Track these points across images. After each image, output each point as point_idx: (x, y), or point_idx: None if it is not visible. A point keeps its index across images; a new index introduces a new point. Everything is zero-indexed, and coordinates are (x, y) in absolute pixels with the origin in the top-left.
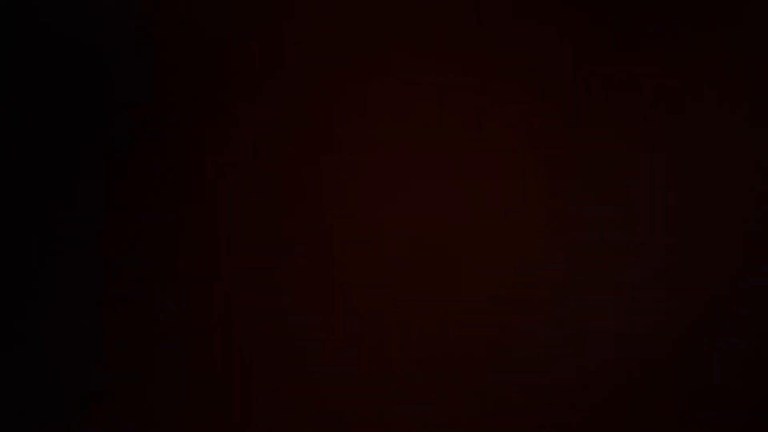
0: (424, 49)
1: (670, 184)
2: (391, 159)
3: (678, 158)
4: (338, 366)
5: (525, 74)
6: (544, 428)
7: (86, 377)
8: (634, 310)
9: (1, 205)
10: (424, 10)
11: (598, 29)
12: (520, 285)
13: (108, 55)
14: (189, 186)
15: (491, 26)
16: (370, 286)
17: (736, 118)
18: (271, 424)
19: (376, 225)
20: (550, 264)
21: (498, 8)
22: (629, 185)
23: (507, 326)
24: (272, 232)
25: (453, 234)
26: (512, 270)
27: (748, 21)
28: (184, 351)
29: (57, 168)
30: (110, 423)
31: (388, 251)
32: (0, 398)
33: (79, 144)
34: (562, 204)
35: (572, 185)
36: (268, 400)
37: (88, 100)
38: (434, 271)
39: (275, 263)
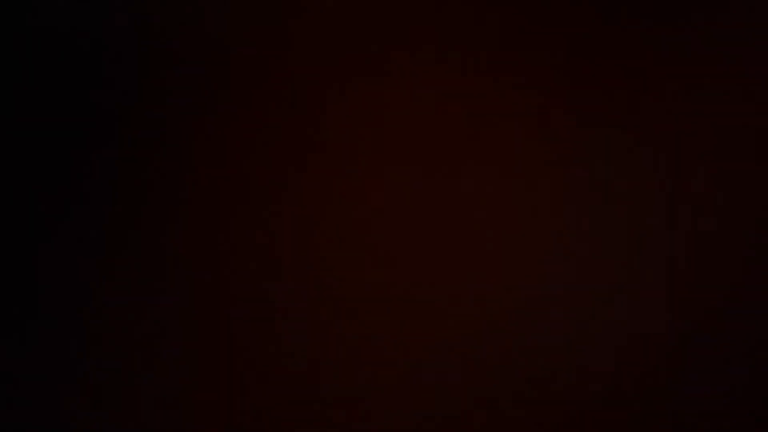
0: (424, 47)
1: (676, 182)
2: (392, 159)
3: (685, 156)
4: (334, 367)
5: (528, 72)
6: (547, 428)
7: (85, 377)
8: (639, 310)
9: None
10: (424, 8)
11: (603, 25)
12: (524, 284)
13: (106, 54)
14: (185, 186)
15: (493, 23)
16: (372, 285)
17: (743, 115)
18: (268, 425)
19: (378, 224)
20: (555, 263)
21: (501, 4)
22: (635, 183)
23: (509, 326)
24: (272, 231)
25: (455, 233)
26: (516, 269)
27: (752, 15)
28: (178, 351)
29: (55, 167)
30: (109, 422)
31: (389, 251)
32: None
33: (75, 143)
34: (567, 203)
35: (578, 183)
36: (264, 403)
37: (86, 99)
38: (436, 270)
39: (274, 264)
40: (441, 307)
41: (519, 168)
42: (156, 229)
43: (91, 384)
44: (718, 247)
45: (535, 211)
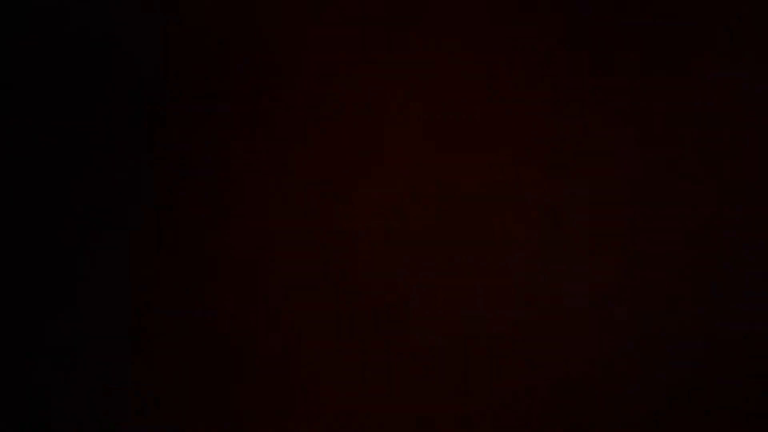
0: (423, 47)
1: (670, 182)
2: (391, 157)
3: (679, 156)
4: (335, 367)
5: (525, 73)
6: (545, 425)
7: (84, 377)
8: (639, 310)
9: (2, 203)
10: (425, 8)
11: (598, 28)
12: (519, 282)
13: (108, 54)
14: (188, 185)
15: (492, 25)
16: (370, 284)
17: (737, 117)
18: (272, 422)
19: (377, 221)
20: (549, 261)
21: (499, 9)
22: (629, 183)
23: (506, 323)
24: (274, 231)
25: (455, 233)
26: (512, 266)
27: (748, 23)
28: (181, 350)
29: (55, 167)
30: (109, 422)
31: (390, 251)
32: (2, 397)
33: (76, 142)
34: (562, 201)
35: (572, 183)
36: (270, 397)
37: (87, 99)
38: (434, 268)
39: (276, 263)
40: (442, 308)
41: (521, 168)
42: (159, 228)
43: (91, 384)
44: (718, 247)
45: (539, 211)
